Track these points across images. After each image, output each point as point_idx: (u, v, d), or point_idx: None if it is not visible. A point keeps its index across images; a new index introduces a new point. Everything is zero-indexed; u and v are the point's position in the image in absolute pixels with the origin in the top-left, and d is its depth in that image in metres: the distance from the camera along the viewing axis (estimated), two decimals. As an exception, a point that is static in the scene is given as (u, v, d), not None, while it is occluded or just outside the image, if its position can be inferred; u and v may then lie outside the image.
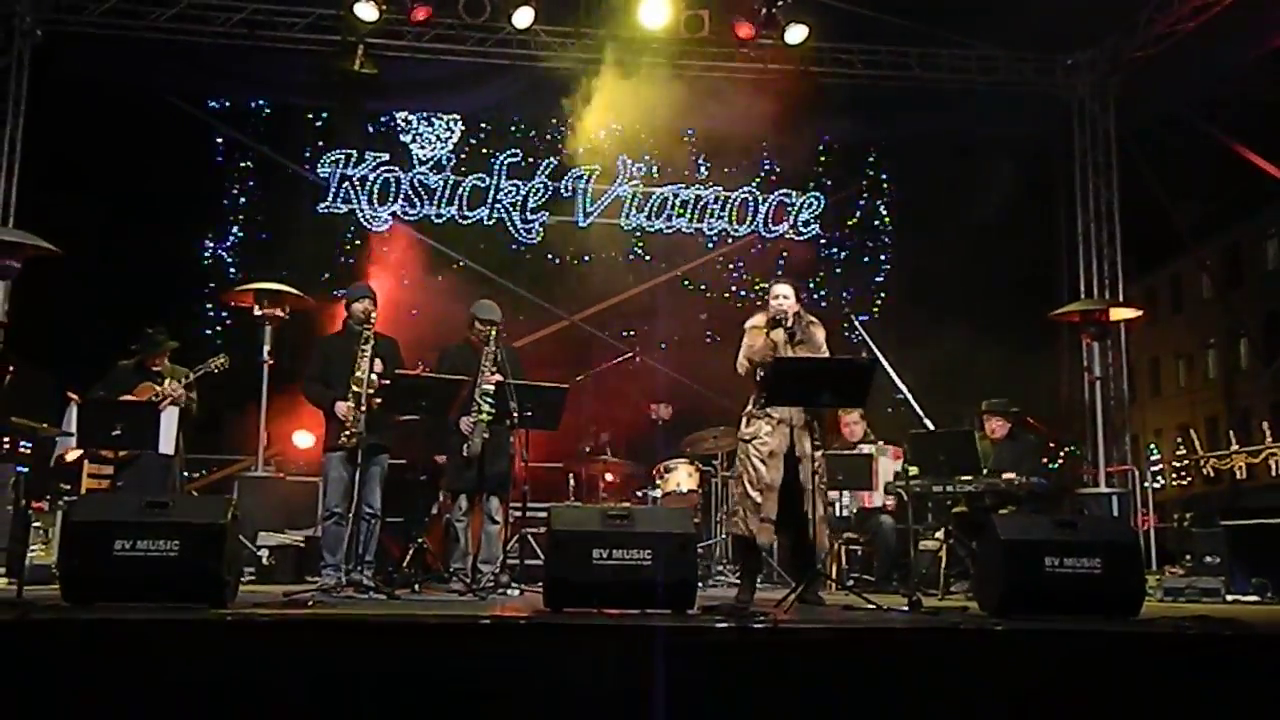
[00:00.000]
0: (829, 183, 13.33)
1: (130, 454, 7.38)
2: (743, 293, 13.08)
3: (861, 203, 13.44)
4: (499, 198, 12.70)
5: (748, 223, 13.07)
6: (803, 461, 6.49)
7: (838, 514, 9.03)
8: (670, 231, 13.01)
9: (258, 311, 9.50)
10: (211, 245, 12.37)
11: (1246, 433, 12.09)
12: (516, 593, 7.38)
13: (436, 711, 4.03)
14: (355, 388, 6.99)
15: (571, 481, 9.79)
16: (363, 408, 6.96)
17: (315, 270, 11.93)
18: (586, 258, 12.90)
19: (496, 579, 7.43)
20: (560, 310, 12.62)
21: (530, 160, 12.77)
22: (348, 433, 7.01)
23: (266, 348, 9.40)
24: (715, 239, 13.10)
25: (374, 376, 7.00)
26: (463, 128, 12.82)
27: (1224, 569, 8.41)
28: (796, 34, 10.93)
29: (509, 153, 12.73)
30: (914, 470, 7.98)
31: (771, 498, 6.45)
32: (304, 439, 10.27)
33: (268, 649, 4.12)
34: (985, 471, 8.10)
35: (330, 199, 12.43)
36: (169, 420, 7.66)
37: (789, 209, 13.12)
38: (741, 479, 6.63)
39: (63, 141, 10.83)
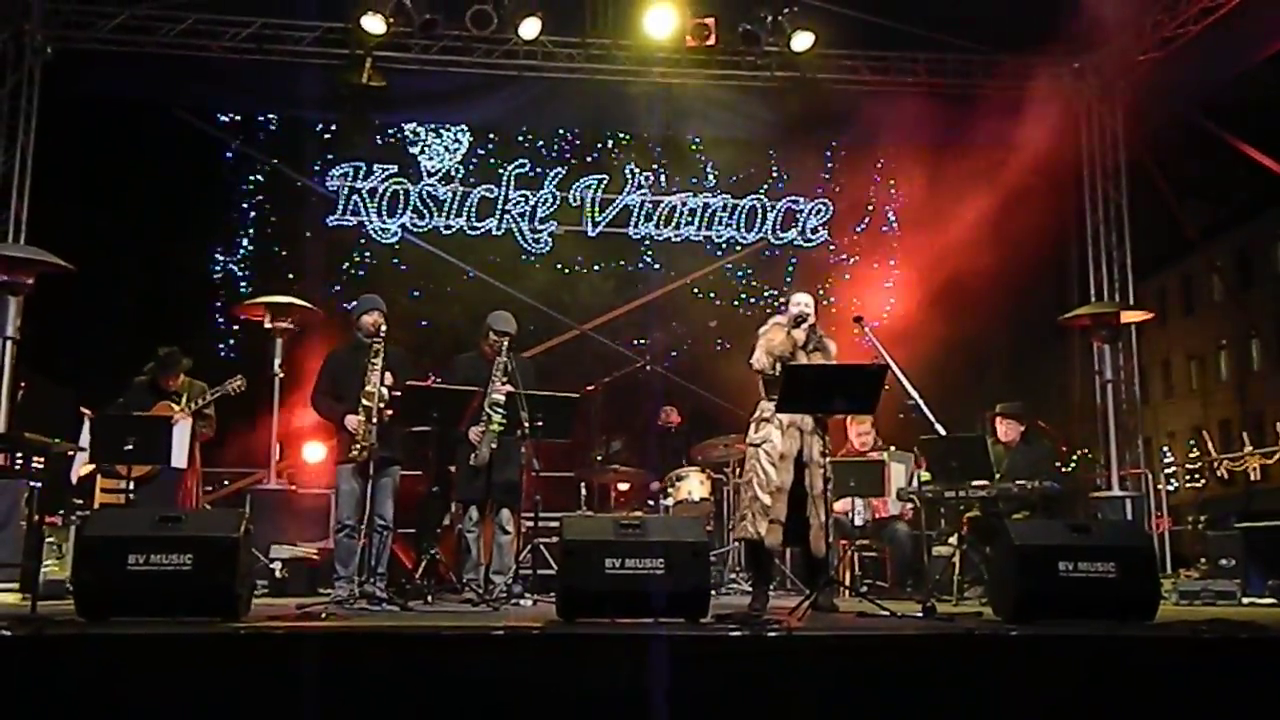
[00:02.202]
0: (837, 189, 13.31)
1: (151, 471, 7.37)
2: (752, 300, 13.09)
3: (870, 209, 13.43)
4: (507, 208, 12.70)
5: (756, 230, 13.07)
6: (810, 467, 6.54)
7: (853, 522, 9.01)
8: (679, 240, 13.01)
9: (268, 324, 9.54)
10: (222, 258, 12.39)
11: (1260, 434, 12.01)
12: (529, 603, 7.39)
13: (451, 723, 4.04)
14: (366, 401, 6.99)
15: (583, 491, 9.79)
16: (373, 420, 6.96)
17: (325, 282, 11.98)
18: (596, 267, 12.92)
19: (509, 589, 7.42)
20: (570, 320, 12.63)
21: (538, 170, 12.78)
22: (358, 446, 7.01)
23: (278, 360, 9.44)
24: (724, 247, 13.10)
25: (384, 390, 7.01)
26: (471, 139, 12.84)
27: (1239, 572, 8.37)
28: (803, 41, 10.94)
29: (517, 163, 12.73)
30: (926, 476, 7.97)
31: (781, 500, 6.50)
32: (315, 452, 10.29)
33: (281, 662, 4.13)
34: (998, 476, 8.08)
35: (339, 211, 12.45)
36: (182, 435, 7.68)
37: (797, 216, 13.12)
38: (751, 482, 6.67)
39: (74, 158, 10.88)
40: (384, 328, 7.19)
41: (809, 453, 6.56)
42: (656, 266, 13.09)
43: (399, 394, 7.02)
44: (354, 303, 7.82)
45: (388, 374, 7.05)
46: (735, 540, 7.41)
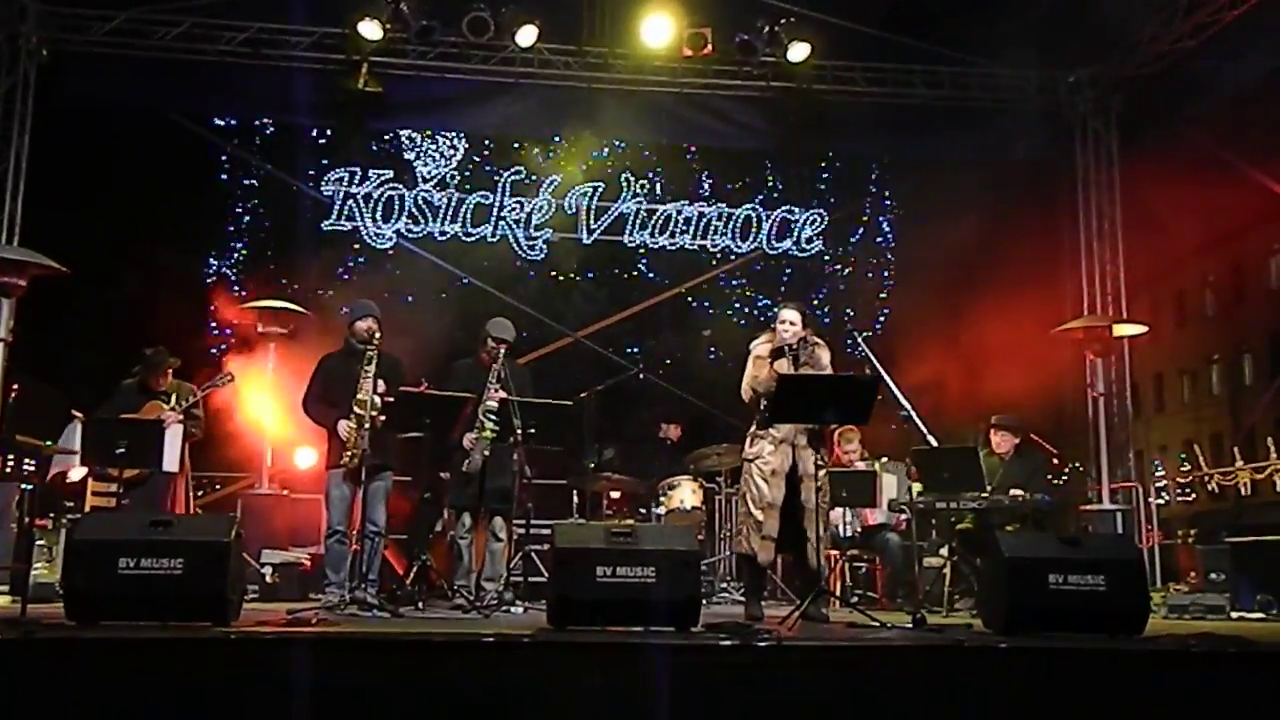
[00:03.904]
0: (832, 200, 13.36)
1: (140, 474, 7.35)
2: (746, 309, 13.10)
3: (864, 219, 13.47)
4: (503, 215, 12.70)
5: (751, 240, 13.08)
6: (805, 481, 6.54)
7: (843, 533, 9.02)
8: (674, 248, 13.01)
9: (261, 329, 9.54)
10: (216, 263, 12.37)
11: (1251, 449, 12.06)
12: (520, 610, 7.38)
13: (440, 730, 4.03)
14: (358, 409, 6.99)
15: (575, 498, 9.78)
16: (365, 427, 6.95)
17: (319, 288, 11.97)
18: (590, 274, 12.93)
19: (500, 596, 7.42)
20: (564, 327, 12.63)
21: (534, 178, 12.78)
22: (350, 453, 7.01)
23: (270, 365, 9.44)
24: (718, 256, 13.11)
25: (376, 398, 7.00)
26: (466, 145, 12.84)
27: (1229, 586, 8.39)
28: (799, 52, 10.97)
29: (512, 170, 12.74)
30: (917, 486, 7.98)
31: (773, 516, 6.51)
32: (306, 457, 10.27)
33: (271, 667, 4.12)
34: (992, 488, 8.10)
35: (334, 216, 12.43)
36: (173, 438, 7.66)
37: (792, 226, 13.13)
38: (745, 497, 6.70)
39: (68, 160, 10.86)
40: (378, 335, 7.18)
41: (803, 467, 6.56)
42: (651, 275, 13.10)
43: (391, 400, 7.02)
44: (348, 308, 7.81)
45: (380, 382, 7.04)
46: (734, 554, 7.41)
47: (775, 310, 7.10)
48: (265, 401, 9.51)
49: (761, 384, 6.64)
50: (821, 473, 6.61)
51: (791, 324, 6.74)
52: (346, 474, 7.11)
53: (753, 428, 6.78)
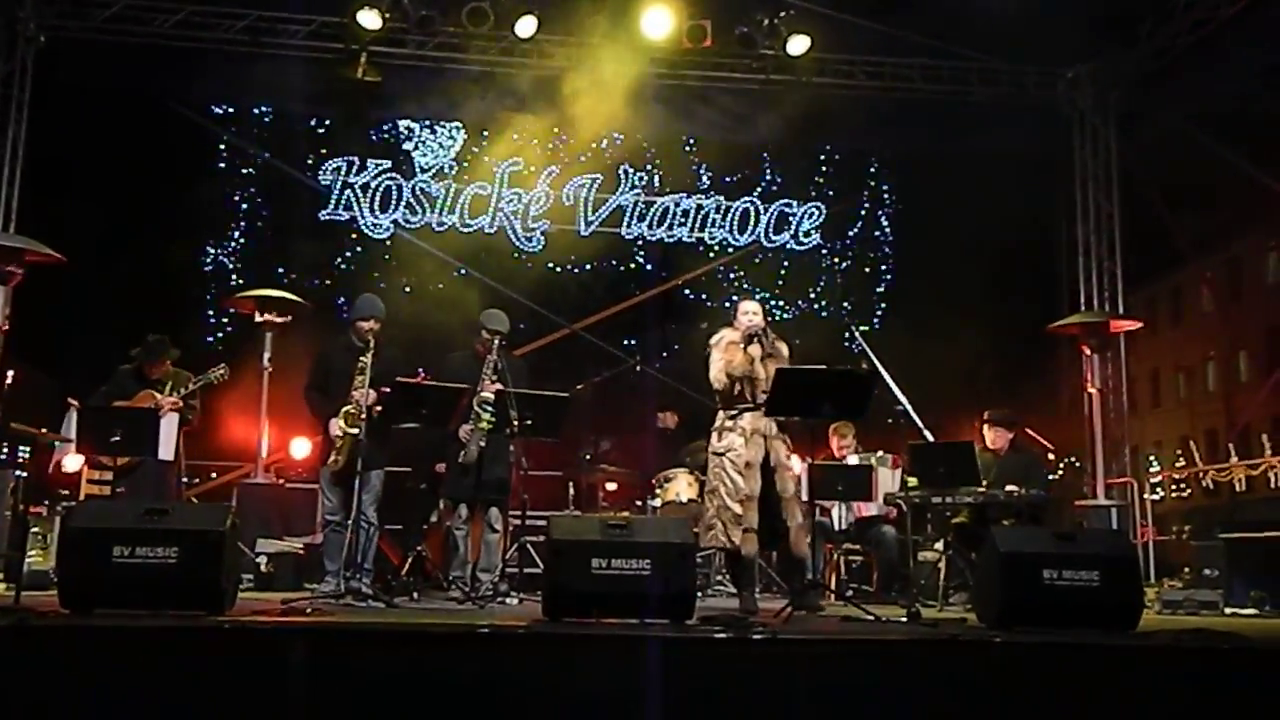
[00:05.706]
0: (830, 193, 13.36)
1: (131, 461, 7.35)
2: (744, 303, 13.08)
3: (862, 213, 13.47)
4: (500, 206, 12.70)
5: (749, 233, 13.09)
6: (779, 471, 6.58)
7: (836, 526, 9.02)
8: (671, 241, 13.03)
9: (258, 318, 9.52)
10: (213, 251, 12.36)
11: (1246, 445, 12.07)
12: (515, 601, 7.38)
13: (434, 720, 4.03)
14: (344, 421, 7.02)
15: (571, 490, 9.78)
16: (356, 428, 6.97)
17: (316, 277, 11.96)
18: (588, 267, 12.92)
19: (495, 587, 7.41)
20: (561, 319, 12.62)
21: (532, 169, 12.76)
22: (335, 456, 7.04)
23: (267, 354, 9.44)
24: (716, 249, 13.12)
25: (361, 410, 7.00)
26: (465, 136, 12.82)
27: (1222, 582, 8.40)
28: (799, 45, 10.96)
29: (510, 161, 12.71)
30: (913, 481, 7.99)
31: (752, 508, 6.53)
32: (301, 447, 10.27)
33: (266, 656, 4.12)
34: (987, 483, 8.10)
35: (332, 206, 12.43)
36: (169, 427, 7.65)
37: (790, 219, 13.14)
38: (718, 491, 6.68)
39: (65, 147, 10.82)
40: (373, 341, 7.14)
41: (775, 457, 6.61)
42: (649, 267, 13.10)
43: (388, 390, 7.01)
44: (345, 299, 7.80)
45: (371, 392, 7.03)
46: (705, 549, 7.37)
47: (734, 307, 7.20)
48: (261, 391, 9.50)
49: (737, 368, 6.67)
50: (792, 460, 6.64)
51: (755, 314, 6.90)
52: (335, 474, 7.15)
53: (719, 421, 6.79)
